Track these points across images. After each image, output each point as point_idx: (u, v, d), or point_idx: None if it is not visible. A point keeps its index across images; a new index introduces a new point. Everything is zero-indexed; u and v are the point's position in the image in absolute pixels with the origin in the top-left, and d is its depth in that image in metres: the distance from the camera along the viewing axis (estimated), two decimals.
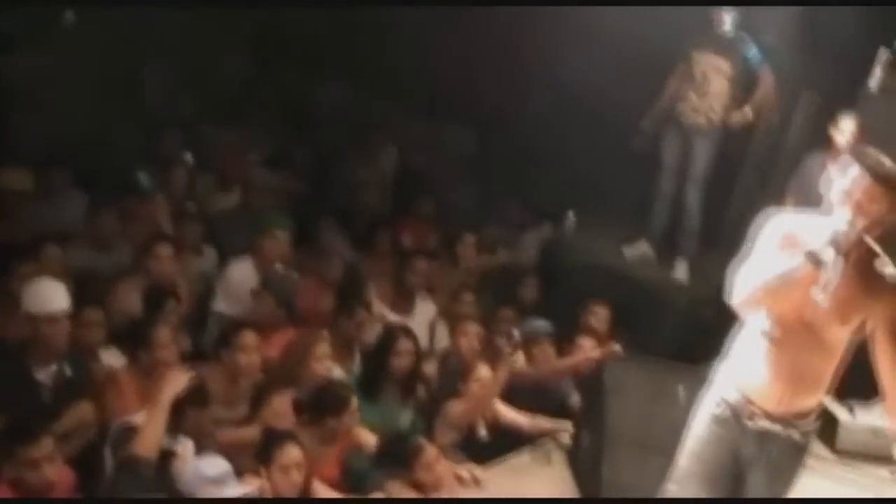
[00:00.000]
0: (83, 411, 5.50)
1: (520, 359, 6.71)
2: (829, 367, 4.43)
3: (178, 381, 5.15)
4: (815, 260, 4.09)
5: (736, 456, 4.61)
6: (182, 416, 5.18)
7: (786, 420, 4.48)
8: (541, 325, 7.49)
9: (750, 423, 4.52)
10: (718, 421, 4.62)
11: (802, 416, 4.49)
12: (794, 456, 4.56)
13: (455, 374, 6.86)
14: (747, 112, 8.45)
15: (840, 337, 4.35)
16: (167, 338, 5.84)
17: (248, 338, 6.16)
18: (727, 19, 8.29)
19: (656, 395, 6.23)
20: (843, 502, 6.69)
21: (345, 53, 10.40)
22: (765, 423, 4.50)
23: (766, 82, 8.45)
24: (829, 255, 4.09)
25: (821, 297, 4.16)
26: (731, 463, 4.62)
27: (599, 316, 7.87)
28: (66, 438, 5.22)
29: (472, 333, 7.32)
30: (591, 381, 6.54)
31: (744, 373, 4.56)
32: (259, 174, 8.99)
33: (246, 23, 9.43)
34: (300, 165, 9.68)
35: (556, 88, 9.32)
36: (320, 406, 5.84)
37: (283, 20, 9.70)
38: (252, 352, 6.16)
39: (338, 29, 10.12)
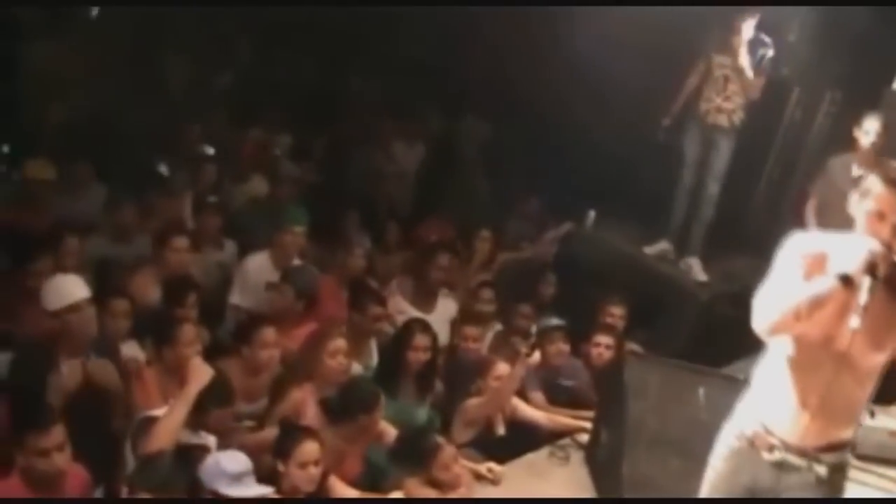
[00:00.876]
0: None
1: (537, 356, 6.67)
2: (863, 396, 4.21)
3: (203, 375, 5.16)
4: (847, 282, 3.89)
5: (752, 490, 4.41)
6: (205, 412, 5.17)
7: (809, 454, 4.25)
8: (554, 321, 7.44)
9: (767, 456, 4.31)
10: (735, 453, 4.44)
11: (832, 448, 4.25)
12: (817, 492, 4.28)
13: (473, 371, 6.83)
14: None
15: (875, 364, 4.11)
16: (192, 335, 5.83)
17: (269, 334, 6.16)
18: (750, 27, 8.24)
19: (677, 394, 6.15)
20: (843, 503, 6.79)
21: (367, 47, 10.41)
22: (784, 456, 4.28)
23: (755, 90, 8.37)
24: (861, 277, 3.88)
25: (856, 323, 3.89)
26: (747, 495, 4.44)
27: (616, 316, 7.83)
28: None
29: (470, 336, 7.26)
30: (611, 379, 6.49)
31: (767, 403, 4.34)
32: (282, 165, 8.97)
33: (267, 15, 9.37)
34: (322, 157, 9.67)
35: (577, 84, 9.31)
36: (350, 404, 5.80)
37: (304, 13, 9.66)
38: (272, 347, 6.17)
39: (358, 22, 10.09)
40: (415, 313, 7.48)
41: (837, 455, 4.26)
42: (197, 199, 8.11)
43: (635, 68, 8.48)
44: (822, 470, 4.25)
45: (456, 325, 7.56)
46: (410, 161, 10.35)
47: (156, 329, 5.98)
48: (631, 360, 6.38)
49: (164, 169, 8.44)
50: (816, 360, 4.11)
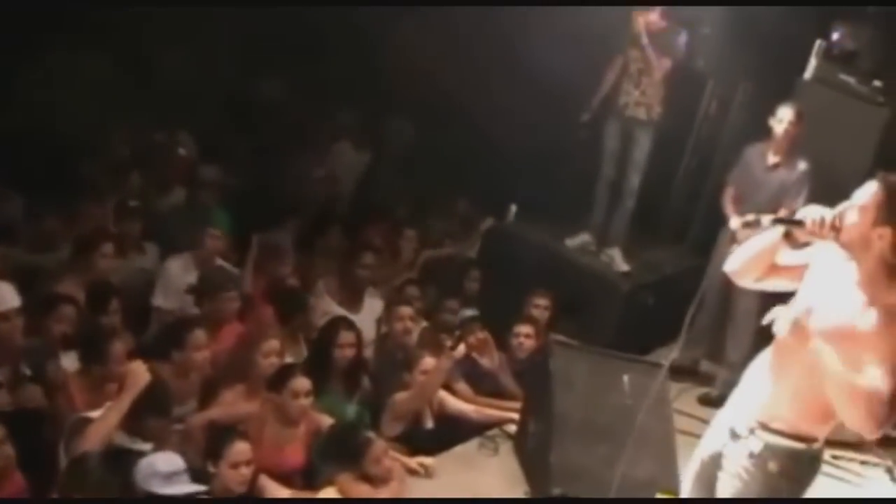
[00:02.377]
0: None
1: (462, 349, 6.74)
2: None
3: (140, 380, 5.15)
4: (787, 235, 4.17)
5: (706, 454, 4.58)
6: (144, 420, 5.18)
7: (755, 427, 4.32)
8: (469, 312, 7.78)
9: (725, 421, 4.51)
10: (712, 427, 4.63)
11: (780, 433, 4.26)
12: (745, 464, 4.34)
13: (399, 365, 6.90)
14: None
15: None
16: (121, 352, 5.76)
17: (200, 337, 6.17)
18: (664, 14, 8.37)
19: (602, 382, 6.27)
20: (844, 502, 7.03)
21: (289, 48, 10.36)
22: (734, 424, 4.43)
23: (664, 66, 8.44)
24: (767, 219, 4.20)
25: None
26: (704, 459, 4.60)
27: (541, 307, 7.94)
28: None
29: (405, 316, 7.36)
30: (538, 370, 6.58)
31: (745, 383, 4.50)
32: (203, 171, 8.92)
33: (187, 17, 9.29)
34: (247, 160, 9.63)
35: (498, 80, 9.39)
36: (271, 384, 5.94)
37: (225, 15, 9.60)
38: (203, 349, 6.18)
39: (281, 23, 10.05)
40: (342, 313, 7.48)
41: (782, 440, 4.27)
42: (117, 204, 8.03)
43: (555, 64, 8.53)
44: (755, 444, 4.30)
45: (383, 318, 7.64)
46: (345, 164, 10.36)
47: (85, 342, 5.90)
48: (556, 350, 6.47)
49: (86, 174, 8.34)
50: (791, 357, 4.20)
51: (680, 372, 7.73)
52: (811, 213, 4.09)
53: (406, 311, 7.40)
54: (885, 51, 8.13)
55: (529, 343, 7.50)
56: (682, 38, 8.47)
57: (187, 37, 9.24)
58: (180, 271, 7.41)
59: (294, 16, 9.95)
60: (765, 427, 4.29)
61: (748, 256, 4.40)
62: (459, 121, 9.93)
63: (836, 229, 4.04)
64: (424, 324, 7.82)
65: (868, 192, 4.04)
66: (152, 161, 8.94)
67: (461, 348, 6.67)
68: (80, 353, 5.84)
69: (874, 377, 3.86)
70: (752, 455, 4.30)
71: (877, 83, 8.03)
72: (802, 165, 7.59)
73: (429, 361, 6.68)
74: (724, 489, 4.42)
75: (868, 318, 3.97)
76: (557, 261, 8.72)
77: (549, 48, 8.68)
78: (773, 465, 4.26)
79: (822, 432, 4.28)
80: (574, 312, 8.11)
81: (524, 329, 7.57)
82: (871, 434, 3.95)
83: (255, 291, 7.57)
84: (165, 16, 9.21)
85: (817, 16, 8.25)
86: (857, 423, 3.93)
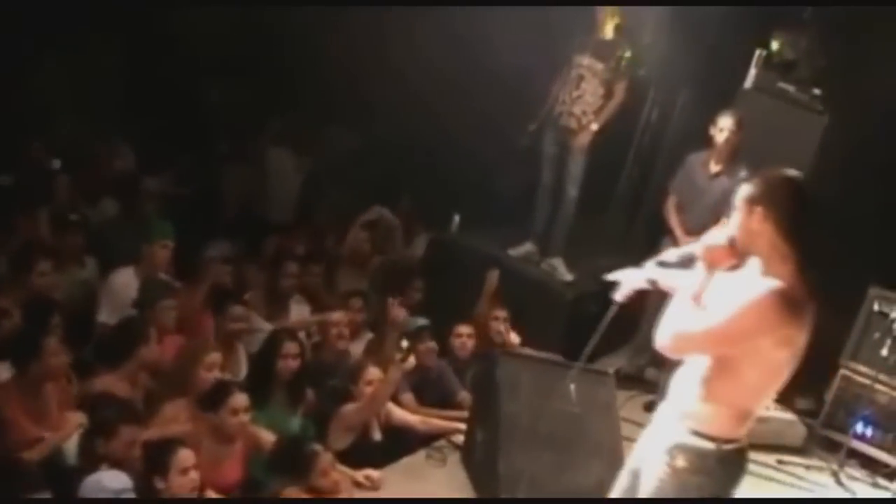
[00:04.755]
0: None
1: (412, 360, 6.72)
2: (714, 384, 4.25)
3: (71, 430, 5.22)
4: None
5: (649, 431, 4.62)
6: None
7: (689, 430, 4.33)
8: (420, 321, 7.64)
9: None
10: None
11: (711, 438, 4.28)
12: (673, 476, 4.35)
13: (343, 376, 6.84)
14: (592, 128, 8.53)
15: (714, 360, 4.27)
16: (55, 347, 5.69)
17: (150, 336, 6.19)
18: (610, 25, 8.42)
19: (548, 390, 6.25)
20: (844, 502, 7.21)
21: (228, 54, 10.27)
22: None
23: (618, 96, 8.50)
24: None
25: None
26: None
27: (500, 318, 7.96)
28: None
29: (340, 322, 7.33)
30: (484, 378, 6.57)
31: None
32: (145, 182, 8.82)
33: (126, 20, 9.19)
34: (185, 170, 9.54)
35: (441, 89, 9.37)
36: (207, 402, 5.83)
37: (165, 18, 9.50)
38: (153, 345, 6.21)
39: (220, 29, 9.96)
40: (268, 327, 7.38)
41: (690, 438, 4.30)
42: (55, 216, 7.91)
43: (499, 72, 8.57)
44: (669, 441, 4.35)
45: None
46: (281, 170, 10.28)
47: (16, 345, 5.79)
48: (502, 359, 6.46)
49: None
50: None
51: (626, 379, 7.78)
52: (702, 243, 4.30)
53: (339, 316, 7.38)
54: (823, 59, 8.23)
55: (471, 343, 7.58)
56: (628, 50, 8.49)
57: (126, 43, 9.14)
58: (125, 285, 7.27)
59: (234, 20, 9.88)
60: (678, 424, 4.33)
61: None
62: (402, 130, 9.92)
63: (731, 244, 4.22)
64: (370, 335, 7.79)
65: (739, 193, 4.23)
66: (86, 171, 8.81)
67: (412, 359, 6.65)
68: (15, 359, 5.72)
69: (702, 318, 4.11)
70: (665, 451, 4.33)
71: (816, 91, 8.17)
72: (744, 173, 7.64)
73: (373, 372, 6.62)
74: (644, 487, 4.44)
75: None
76: (501, 270, 8.69)
77: (494, 56, 8.71)
78: (681, 462, 4.29)
79: (731, 431, 4.26)
80: (519, 322, 8.09)
81: (465, 329, 7.63)
82: (661, 348, 4.25)
83: (195, 302, 7.41)
84: (103, 21, 9.08)
85: (756, 25, 8.35)
86: (661, 333, 4.23)
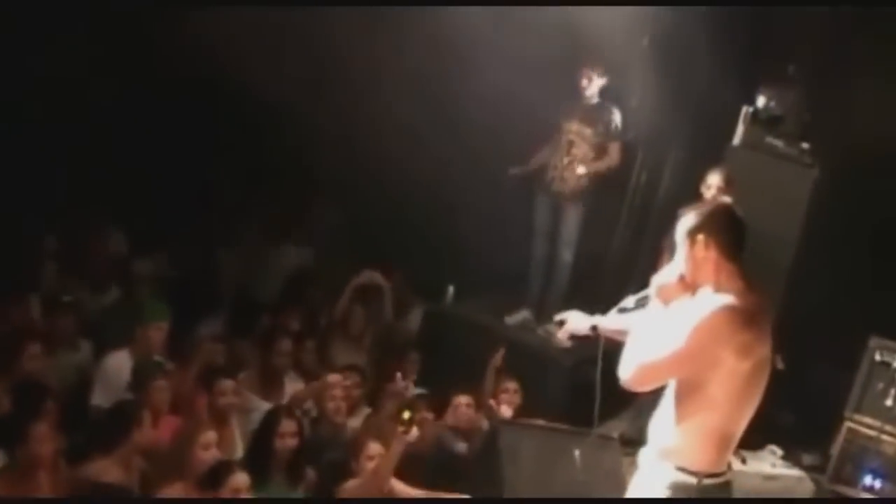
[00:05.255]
0: None
1: (415, 432, 6.62)
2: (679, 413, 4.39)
3: None
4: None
5: None
6: None
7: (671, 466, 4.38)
8: (417, 391, 7.67)
9: None
10: None
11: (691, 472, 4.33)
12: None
13: (343, 452, 6.74)
14: (582, 176, 8.59)
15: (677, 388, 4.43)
16: (44, 433, 5.59)
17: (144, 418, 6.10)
18: (594, 88, 8.48)
19: (552, 458, 6.22)
20: (844, 502, 7.28)
21: (209, 135, 10.26)
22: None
23: (613, 157, 8.65)
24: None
25: None
26: None
27: (510, 390, 7.85)
28: None
29: (336, 396, 7.26)
30: (486, 447, 6.50)
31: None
32: (137, 266, 8.78)
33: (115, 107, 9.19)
34: (178, 253, 9.50)
35: (428, 163, 9.35)
36: (207, 482, 5.74)
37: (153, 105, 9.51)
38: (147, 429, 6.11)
39: (203, 110, 9.96)
40: (264, 405, 7.32)
41: (670, 473, 4.34)
42: (48, 299, 7.85)
43: (486, 139, 8.58)
44: (651, 477, 4.44)
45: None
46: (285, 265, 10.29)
47: (7, 438, 5.68)
48: (504, 429, 6.41)
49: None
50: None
51: (629, 443, 7.68)
52: (654, 283, 4.53)
53: (335, 378, 7.31)
54: (809, 113, 8.25)
55: (471, 412, 7.47)
56: (618, 115, 8.58)
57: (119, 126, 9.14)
58: (118, 368, 7.18)
59: (214, 100, 9.88)
60: (659, 463, 4.39)
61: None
62: (388, 202, 9.89)
63: (681, 279, 4.44)
64: (367, 410, 7.70)
65: (680, 229, 4.48)
66: (82, 258, 8.77)
67: (414, 431, 6.55)
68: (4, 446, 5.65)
69: (659, 345, 4.24)
70: (650, 492, 4.41)
71: (804, 145, 8.16)
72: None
73: (374, 447, 6.51)
74: None
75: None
76: (498, 339, 8.59)
77: (480, 123, 8.74)
78: (663, 493, 4.35)
79: (712, 464, 4.30)
80: (521, 387, 7.98)
81: (464, 399, 7.53)
82: (625, 383, 4.35)
83: (188, 382, 7.31)
84: (94, 103, 9.08)
85: (742, 82, 8.38)
86: (622, 367, 4.35)
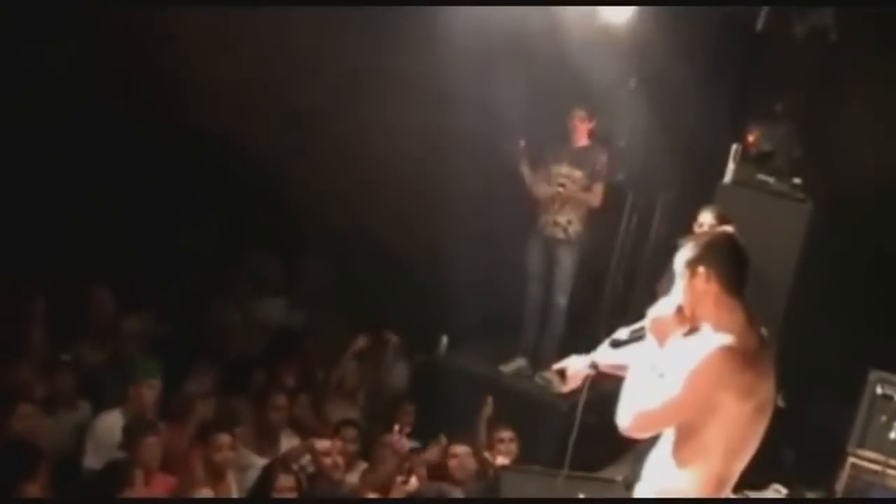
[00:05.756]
0: None
1: (414, 482, 6.54)
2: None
3: None
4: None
5: None
6: None
7: None
8: (410, 444, 7.60)
9: None
10: None
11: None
12: None
13: None
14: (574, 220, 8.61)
15: None
16: (35, 494, 5.52)
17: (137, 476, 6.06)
18: (583, 131, 8.49)
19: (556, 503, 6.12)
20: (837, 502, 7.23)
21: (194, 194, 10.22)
22: None
23: (595, 196, 8.64)
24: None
25: None
26: None
27: (506, 440, 7.84)
28: None
29: (332, 451, 7.18)
30: (488, 494, 6.41)
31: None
32: (126, 323, 8.68)
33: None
34: (168, 308, 9.42)
35: (416, 211, 9.33)
36: None
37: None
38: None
39: (190, 165, 9.93)
40: (260, 461, 7.22)
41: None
42: (48, 358, 7.75)
43: (472, 189, 8.58)
44: None
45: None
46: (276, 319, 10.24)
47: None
48: (506, 476, 6.33)
49: None
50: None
51: (632, 487, 7.58)
52: (650, 315, 4.33)
53: (327, 445, 7.23)
54: (799, 147, 8.26)
55: (467, 462, 7.39)
56: (604, 156, 8.57)
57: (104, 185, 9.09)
58: (110, 428, 7.07)
59: (205, 156, 9.86)
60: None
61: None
62: (380, 256, 9.84)
63: (679, 312, 4.24)
64: (364, 465, 7.60)
65: (678, 260, 4.26)
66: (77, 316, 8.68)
67: (413, 481, 6.48)
68: None
69: (658, 391, 4.07)
70: None
71: (796, 180, 8.15)
72: None
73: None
74: None
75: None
76: (494, 389, 8.54)
77: (464, 172, 8.73)
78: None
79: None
80: (519, 435, 7.93)
81: (460, 450, 7.45)
82: (623, 430, 4.23)
83: (183, 441, 7.23)
84: (71, 159, 9.02)
85: (730, 120, 8.39)
86: (621, 414, 4.22)
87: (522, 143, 8.65)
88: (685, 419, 4.09)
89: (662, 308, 4.29)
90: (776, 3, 8.26)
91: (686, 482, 4.14)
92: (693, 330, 4.21)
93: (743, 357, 4.00)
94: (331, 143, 9.77)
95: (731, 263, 4.17)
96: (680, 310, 4.22)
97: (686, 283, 4.19)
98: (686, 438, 4.12)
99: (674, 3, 8.32)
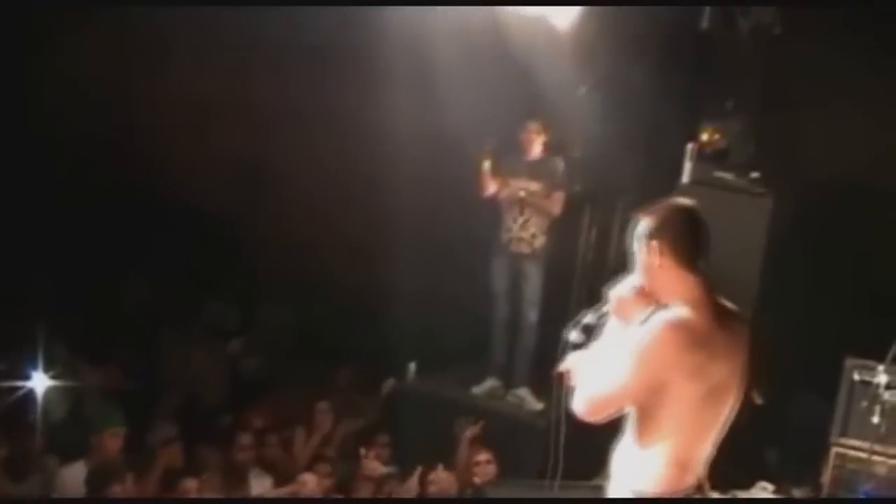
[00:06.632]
0: None
1: None
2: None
3: None
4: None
5: None
6: None
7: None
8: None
9: None
10: None
11: None
12: None
13: None
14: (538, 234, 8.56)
15: None
16: None
17: None
18: (538, 144, 8.48)
19: None
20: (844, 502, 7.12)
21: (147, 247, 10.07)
22: None
23: (555, 206, 8.57)
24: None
25: None
26: None
27: (483, 462, 7.67)
28: None
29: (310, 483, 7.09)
30: None
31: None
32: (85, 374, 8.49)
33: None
34: (125, 360, 9.22)
35: (374, 237, 9.22)
36: None
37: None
38: None
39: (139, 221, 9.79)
40: None
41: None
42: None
43: (436, 211, 8.50)
44: None
45: None
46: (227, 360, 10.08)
47: None
48: (492, 490, 6.19)
49: None
50: None
51: None
52: (612, 297, 4.17)
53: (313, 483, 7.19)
54: (753, 142, 8.22)
55: (445, 485, 7.36)
56: (561, 165, 8.53)
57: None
58: (76, 481, 6.90)
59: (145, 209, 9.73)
60: (619, 488, 4.11)
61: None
62: (341, 293, 9.72)
63: (640, 290, 4.08)
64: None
65: (634, 235, 4.11)
66: None
67: None
68: None
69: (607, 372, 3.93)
70: None
71: (754, 174, 8.08)
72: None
73: None
74: None
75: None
76: (467, 411, 8.41)
77: (427, 193, 8.65)
78: None
79: (673, 486, 4.01)
80: (502, 452, 7.81)
81: (438, 475, 7.40)
82: (580, 416, 4.02)
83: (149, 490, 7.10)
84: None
85: (683, 120, 8.34)
86: (575, 399, 4.03)
87: (489, 143, 8.55)
88: (636, 401, 3.93)
89: (624, 287, 4.12)
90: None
91: (647, 468, 3.99)
92: (662, 308, 4.00)
93: (692, 335, 3.84)
94: (283, 188, 9.70)
95: (683, 235, 4.01)
96: (641, 288, 4.06)
97: (643, 258, 4.05)
98: (642, 423, 3.97)
99: (625, 3, 8.30)
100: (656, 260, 3.98)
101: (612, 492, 4.15)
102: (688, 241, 4.00)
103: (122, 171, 9.23)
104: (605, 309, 4.19)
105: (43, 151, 9.15)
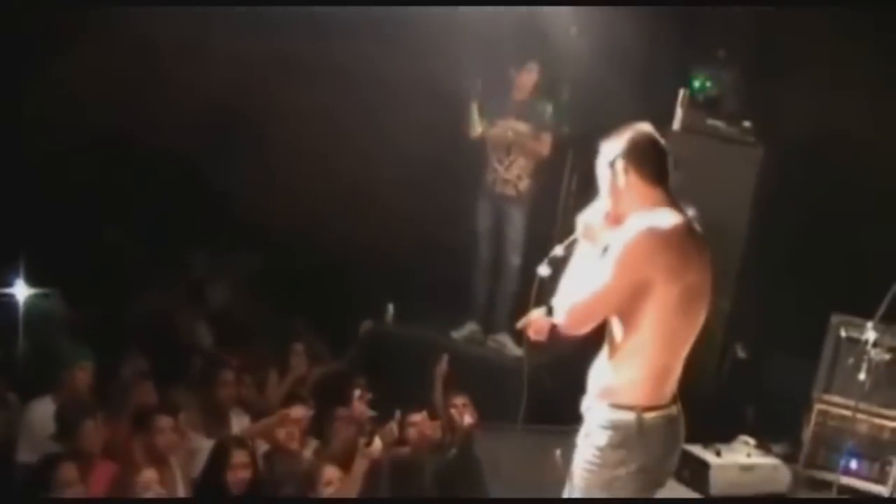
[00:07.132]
0: None
1: (378, 444, 6.25)
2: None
3: None
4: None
5: None
6: None
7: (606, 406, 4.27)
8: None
9: None
10: None
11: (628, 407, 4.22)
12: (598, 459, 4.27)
13: (297, 484, 6.42)
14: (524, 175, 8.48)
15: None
16: None
17: (69, 472, 5.70)
18: (528, 85, 8.35)
19: (533, 460, 5.89)
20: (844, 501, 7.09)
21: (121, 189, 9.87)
22: None
23: (543, 146, 8.49)
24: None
25: None
26: None
27: (459, 405, 7.59)
28: None
29: (291, 421, 6.97)
30: (460, 461, 6.16)
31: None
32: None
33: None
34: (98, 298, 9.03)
35: (353, 178, 9.05)
36: None
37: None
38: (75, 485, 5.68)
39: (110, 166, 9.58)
40: (208, 443, 6.88)
41: (607, 412, 4.25)
42: None
43: (420, 149, 8.34)
44: (589, 424, 4.35)
45: None
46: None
47: None
48: (478, 436, 6.11)
49: None
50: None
51: None
52: (580, 223, 4.49)
53: (301, 411, 7.04)
54: (747, 91, 8.11)
55: (426, 429, 7.25)
56: (549, 107, 8.43)
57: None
58: (42, 417, 6.69)
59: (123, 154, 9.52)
60: (597, 406, 4.29)
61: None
62: (321, 232, 9.56)
63: (606, 214, 4.36)
64: (315, 442, 7.34)
65: (599, 162, 4.44)
66: None
67: (377, 443, 6.20)
68: None
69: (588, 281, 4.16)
70: (588, 435, 4.30)
71: (746, 123, 8.00)
72: (690, 212, 7.40)
73: (331, 471, 6.27)
74: (575, 477, 4.39)
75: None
76: (447, 355, 8.27)
77: (407, 137, 8.48)
78: (603, 439, 4.23)
79: (651, 397, 4.20)
80: (474, 403, 7.67)
81: (417, 418, 7.29)
82: (563, 329, 4.29)
83: (122, 427, 6.87)
84: None
85: (674, 66, 8.21)
86: (557, 312, 4.31)
87: (479, 82, 8.43)
88: (616, 307, 4.14)
89: (591, 213, 4.42)
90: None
91: (625, 375, 4.19)
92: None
93: (666, 236, 4.09)
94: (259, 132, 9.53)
95: (646, 154, 4.31)
96: (608, 213, 4.33)
97: (609, 180, 4.34)
98: (622, 330, 4.17)
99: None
100: (622, 179, 4.28)
101: (585, 407, 4.34)
102: (653, 159, 4.32)
103: (93, 116, 8.97)
104: (573, 238, 4.41)
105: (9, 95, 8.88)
